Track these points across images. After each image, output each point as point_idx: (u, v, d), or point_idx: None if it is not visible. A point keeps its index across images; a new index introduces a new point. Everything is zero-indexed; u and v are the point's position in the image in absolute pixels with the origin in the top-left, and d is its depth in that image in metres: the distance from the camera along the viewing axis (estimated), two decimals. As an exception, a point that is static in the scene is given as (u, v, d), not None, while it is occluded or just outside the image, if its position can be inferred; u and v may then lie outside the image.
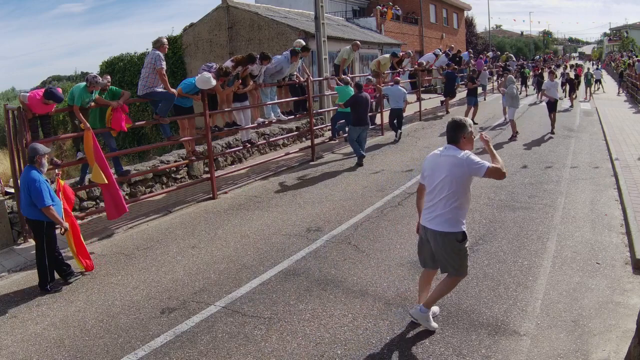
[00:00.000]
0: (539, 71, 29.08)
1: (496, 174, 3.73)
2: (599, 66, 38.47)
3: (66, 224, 5.41)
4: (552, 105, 13.57)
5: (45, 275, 5.34)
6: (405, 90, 13.44)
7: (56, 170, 6.54)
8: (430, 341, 4.04)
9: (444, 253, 3.92)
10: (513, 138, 12.71)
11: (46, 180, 5.33)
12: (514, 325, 4.21)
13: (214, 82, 8.21)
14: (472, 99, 15.78)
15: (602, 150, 11.19)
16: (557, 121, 13.97)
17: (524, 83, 26.24)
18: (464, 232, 3.87)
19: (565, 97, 21.04)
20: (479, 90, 24.94)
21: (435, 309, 4.31)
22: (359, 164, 10.36)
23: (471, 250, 5.76)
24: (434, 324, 4.14)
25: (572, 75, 22.61)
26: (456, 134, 3.86)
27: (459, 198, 3.82)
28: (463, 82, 24.65)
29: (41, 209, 5.15)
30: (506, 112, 14.49)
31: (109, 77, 7.80)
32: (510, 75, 14.90)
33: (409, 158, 10.90)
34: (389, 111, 13.58)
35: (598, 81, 28.28)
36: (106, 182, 6.67)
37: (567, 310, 4.44)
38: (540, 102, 15.82)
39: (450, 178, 3.78)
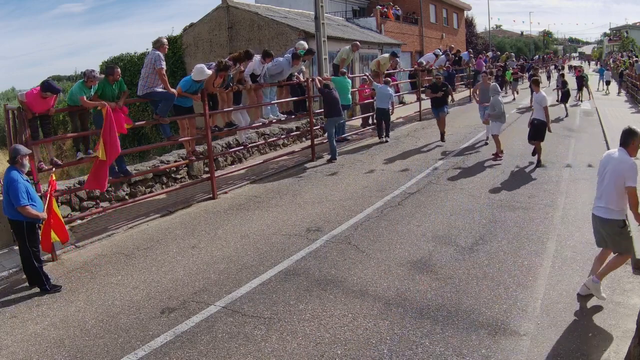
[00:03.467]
0: (521, 74, 25.78)
1: (634, 197, 4.35)
2: (606, 67, 37.55)
3: (44, 215, 5.48)
4: (536, 130, 9.54)
5: (39, 276, 5.37)
6: (392, 92, 12.98)
7: (53, 169, 6.61)
8: (430, 341, 4.04)
9: (608, 236, 4.58)
10: (497, 157, 10.35)
11: (27, 181, 5.38)
12: (514, 325, 4.22)
13: (208, 71, 8.25)
14: (436, 110, 12.75)
15: (602, 150, 11.12)
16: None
17: (501, 87, 21.06)
18: (624, 220, 4.48)
19: (558, 102, 18.04)
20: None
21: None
22: (332, 159, 10.99)
23: (471, 250, 5.77)
24: (604, 295, 4.59)
25: (567, 78, 19.32)
26: (628, 139, 4.48)
27: (618, 192, 4.41)
28: (463, 83, 24.54)
29: (17, 208, 5.20)
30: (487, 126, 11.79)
31: (118, 69, 7.61)
32: (494, 84, 11.69)
33: (409, 158, 10.89)
34: (375, 111, 13.26)
35: (608, 82, 27.97)
36: (105, 159, 6.81)
37: (567, 310, 4.44)
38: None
39: (613, 174, 4.43)
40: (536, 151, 9.82)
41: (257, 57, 9.75)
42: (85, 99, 6.88)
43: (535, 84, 10.39)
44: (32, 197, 5.31)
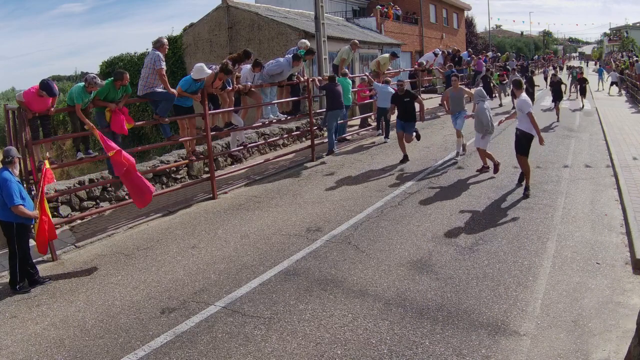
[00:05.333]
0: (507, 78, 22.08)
1: None
2: (605, 67, 37.02)
3: (36, 213, 5.50)
4: (518, 142, 7.79)
5: (14, 276, 5.41)
6: (393, 92, 12.48)
7: (47, 154, 6.61)
8: (430, 341, 4.04)
9: None
10: (496, 168, 8.91)
11: (18, 181, 5.43)
12: (514, 325, 4.22)
13: (208, 70, 8.26)
14: (401, 124, 10.26)
15: (602, 150, 11.19)
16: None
17: (488, 93, 16.80)
18: None
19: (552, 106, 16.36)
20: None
21: None
22: (330, 152, 11.21)
23: (471, 251, 5.77)
24: None
25: (558, 78, 17.23)
26: None
27: None
28: (462, 83, 24.37)
29: (11, 208, 5.22)
30: (460, 144, 10.60)
31: (127, 75, 7.32)
32: (478, 88, 9.95)
33: (409, 158, 10.88)
34: (377, 110, 13.29)
35: (614, 83, 27.76)
36: (119, 149, 6.34)
37: (567, 310, 4.44)
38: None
39: None
40: (522, 175, 8.03)
41: (247, 67, 9.79)
42: (80, 107, 6.81)
43: (516, 87, 8.26)
44: (23, 197, 5.36)
